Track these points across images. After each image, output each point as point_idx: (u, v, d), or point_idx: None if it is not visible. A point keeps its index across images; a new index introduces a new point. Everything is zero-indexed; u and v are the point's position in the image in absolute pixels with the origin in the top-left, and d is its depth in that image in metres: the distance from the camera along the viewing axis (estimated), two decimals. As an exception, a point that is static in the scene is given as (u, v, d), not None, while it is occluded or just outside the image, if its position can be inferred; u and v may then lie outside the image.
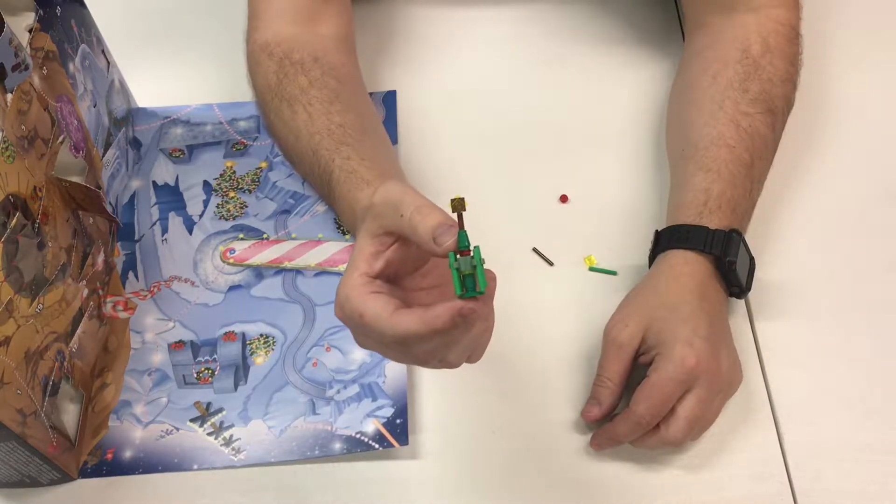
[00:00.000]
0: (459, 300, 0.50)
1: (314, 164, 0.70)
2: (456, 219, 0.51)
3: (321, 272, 0.81)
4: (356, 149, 0.69)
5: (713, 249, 0.70)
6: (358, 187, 0.66)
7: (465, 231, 0.50)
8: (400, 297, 0.54)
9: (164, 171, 0.88)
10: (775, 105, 0.77)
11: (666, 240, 0.73)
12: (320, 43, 0.78)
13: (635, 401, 0.66)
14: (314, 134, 0.71)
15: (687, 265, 0.71)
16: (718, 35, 0.81)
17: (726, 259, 0.70)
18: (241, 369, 0.76)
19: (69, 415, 0.73)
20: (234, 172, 0.87)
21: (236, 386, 0.76)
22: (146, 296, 0.81)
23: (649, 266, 0.75)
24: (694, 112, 0.79)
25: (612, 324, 0.70)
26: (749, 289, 0.73)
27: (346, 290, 0.54)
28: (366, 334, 0.54)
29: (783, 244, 0.81)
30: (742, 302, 0.77)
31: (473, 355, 0.56)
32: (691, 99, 0.81)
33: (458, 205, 0.51)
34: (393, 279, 0.56)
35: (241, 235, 0.84)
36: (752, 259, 0.73)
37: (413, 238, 0.52)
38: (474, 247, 0.50)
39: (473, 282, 0.50)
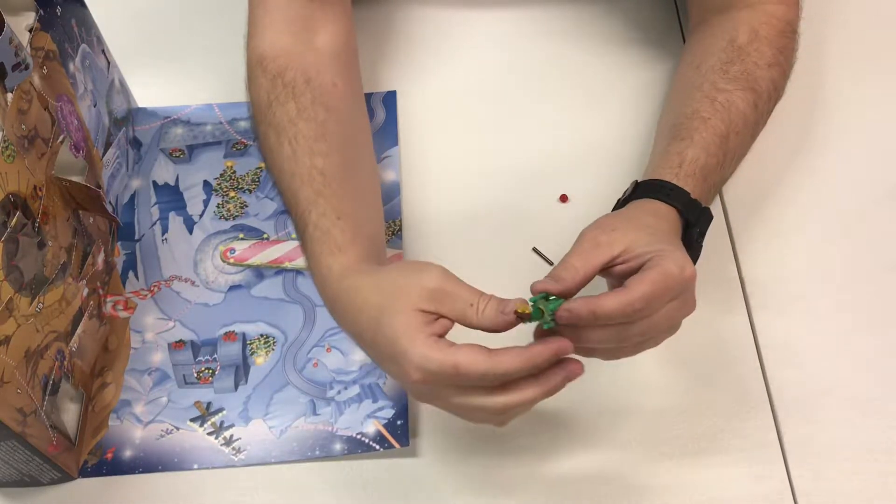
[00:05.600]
0: (558, 339, 0.58)
1: (293, 205, 0.70)
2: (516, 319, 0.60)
3: (321, 272, 0.81)
4: (333, 204, 0.69)
5: (688, 215, 0.69)
6: (330, 252, 0.66)
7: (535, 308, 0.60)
8: None
9: (164, 171, 0.88)
10: (759, 85, 0.76)
11: (645, 189, 0.70)
12: (314, 60, 0.77)
13: (635, 283, 0.59)
14: (295, 175, 0.70)
15: (667, 214, 0.68)
16: (711, 31, 0.81)
17: (696, 230, 0.69)
18: (241, 369, 0.76)
19: (69, 414, 0.73)
20: (235, 172, 0.87)
21: (237, 386, 0.76)
22: (146, 295, 0.81)
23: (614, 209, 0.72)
24: (674, 99, 0.80)
25: (593, 226, 0.65)
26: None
27: (421, 350, 0.57)
28: (452, 393, 0.59)
29: (783, 243, 0.81)
30: (742, 301, 0.77)
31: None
32: (676, 89, 0.81)
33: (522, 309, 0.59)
34: None
35: (241, 235, 0.84)
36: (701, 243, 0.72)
37: (474, 321, 0.60)
38: (533, 304, 0.59)
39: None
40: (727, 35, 0.79)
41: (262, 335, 0.78)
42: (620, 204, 0.73)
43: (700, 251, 0.71)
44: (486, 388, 0.58)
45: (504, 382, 0.58)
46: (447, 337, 0.60)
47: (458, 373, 0.57)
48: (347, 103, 0.77)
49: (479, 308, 0.59)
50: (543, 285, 0.61)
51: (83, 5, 0.81)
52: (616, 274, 0.63)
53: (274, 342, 0.78)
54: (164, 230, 0.84)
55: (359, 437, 0.72)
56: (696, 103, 0.75)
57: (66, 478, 0.71)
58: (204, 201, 0.86)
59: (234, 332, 0.78)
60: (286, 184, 0.71)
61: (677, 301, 0.61)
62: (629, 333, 0.61)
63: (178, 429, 0.74)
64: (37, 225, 0.66)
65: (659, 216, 0.68)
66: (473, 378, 0.57)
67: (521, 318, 0.59)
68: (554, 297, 0.59)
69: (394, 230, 0.82)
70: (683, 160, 0.71)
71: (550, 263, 0.81)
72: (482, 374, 0.57)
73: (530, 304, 0.59)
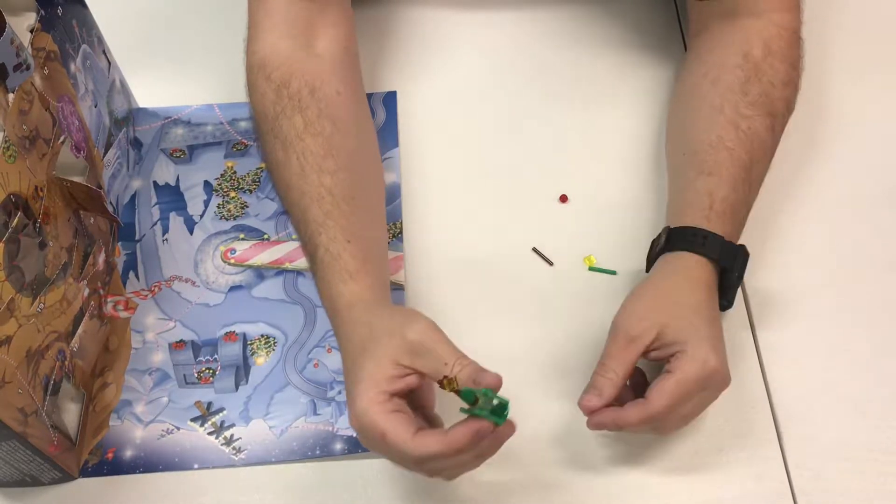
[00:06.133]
0: (474, 420, 0.58)
1: (302, 222, 0.71)
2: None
3: (322, 272, 0.81)
4: (342, 225, 0.70)
5: (725, 261, 0.70)
6: (341, 279, 0.67)
7: (467, 388, 0.59)
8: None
9: (164, 171, 0.88)
10: (775, 108, 0.77)
11: (679, 239, 0.72)
12: (317, 68, 0.77)
13: (655, 395, 0.65)
14: (304, 194, 0.71)
15: (701, 270, 0.70)
16: (720, 40, 0.81)
17: (735, 274, 0.71)
18: (241, 369, 0.77)
19: (70, 414, 0.73)
20: (235, 172, 0.88)
21: (237, 386, 0.76)
22: (147, 295, 0.81)
23: (648, 261, 0.75)
24: (693, 117, 0.79)
25: (626, 316, 0.69)
26: (731, 306, 0.73)
27: (364, 404, 0.60)
28: (382, 449, 0.61)
29: (783, 244, 0.81)
30: (742, 302, 0.77)
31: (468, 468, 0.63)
32: (691, 104, 0.81)
33: (450, 385, 0.59)
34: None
35: (241, 235, 0.84)
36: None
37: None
38: (483, 392, 0.58)
39: (499, 412, 0.59)
40: (740, 49, 0.79)
41: (262, 335, 0.78)
42: (654, 255, 0.74)
43: (740, 283, 0.73)
44: None
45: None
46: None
47: (384, 441, 0.59)
48: (352, 112, 0.78)
49: (451, 370, 0.60)
50: (590, 404, 0.66)
51: (84, 6, 0.81)
52: (651, 360, 0.68)
53: (274, 342, 0.78)
54: (165, 230, 0.84)
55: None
56: (719, 129, 0.76)
57: (66, 478, 0.71)
58: (204, 201, 0.86)
59: (234, 332, 0.78)
60: (295, 200, 0.72)
61: (707, 391, 0.66)
62: (663, 426, 0.67)
63: (178, 429, 0.74)
64: (38, 225, 0.66)
65: (691, 280, 0.70)
66: (397, 453, 0.59)
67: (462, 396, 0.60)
68: (497, 401, 0.59)
69: (394, 232, 0.83)
70: (714, 200, 0.72)
71: (550, 263, 0.81)
72: (403, 452, 0.59)
73: (479, 396, 0.59)
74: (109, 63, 0.85)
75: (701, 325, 0.67)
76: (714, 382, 0.66)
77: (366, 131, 0.80)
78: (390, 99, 0.91)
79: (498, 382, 0.59)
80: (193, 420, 0.74)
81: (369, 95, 0.88)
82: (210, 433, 0.74)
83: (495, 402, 0.58)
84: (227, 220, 0.85)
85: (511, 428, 0.61)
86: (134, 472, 0.72)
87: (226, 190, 0.86)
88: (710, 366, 0.65)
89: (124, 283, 0.81)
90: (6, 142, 0.63)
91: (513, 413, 0.72)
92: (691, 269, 0.70)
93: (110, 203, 0.80)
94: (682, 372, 0.65)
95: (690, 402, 0.66)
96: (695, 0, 0.83)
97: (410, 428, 0.59)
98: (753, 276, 0.79)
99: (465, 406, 0.59)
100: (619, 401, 0.67)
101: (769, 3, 0.79)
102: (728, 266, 0.71)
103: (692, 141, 0.77)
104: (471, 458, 0.61)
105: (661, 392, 0.65)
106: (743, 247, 0.72)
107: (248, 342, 0.78)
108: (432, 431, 0.59)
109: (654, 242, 0.75)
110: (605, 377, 0.67)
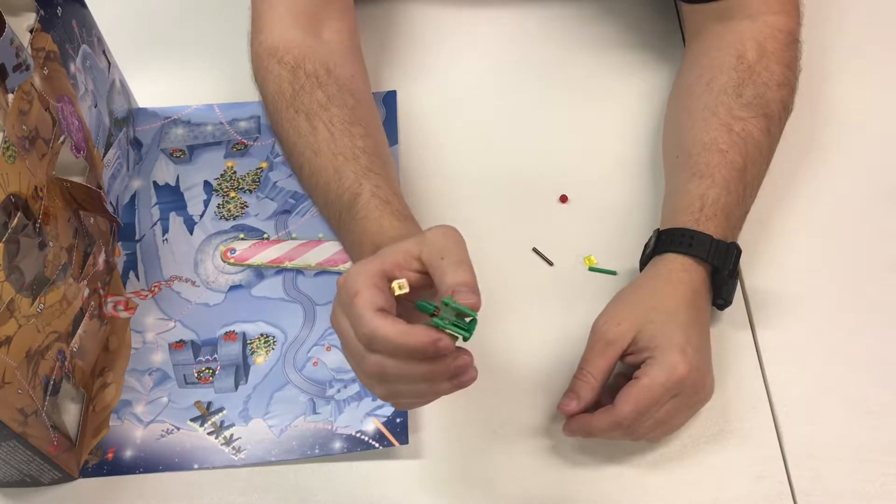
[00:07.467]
0: (436, 330, 0.54)
1: (333, 181, 0.71)
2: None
3: (321, 272, 0.81)
4: (385, 181, 0.70)
5: (714, 260, 0.70)
6: (394, 217, 0.67)
7: (421, 301, 0.57)
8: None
9: (164, 172, 0.88)
10: (770, 109, 0.77)
11: (667, 242, 0.72)
12: (329, 53, 0.78)
13: (622, 401, 0.66)
14: (337, 154, 0.72)
15: (685, 272, 0.70)
16: (715, 42, 0.81)
17: (725, 272, 0.71)
18: (241, 369, 0.77)
19: (70, 414, 0.73)
20: (235, 172, 0.88)
21: (237, 385, 0.76)
22: (147, 295, 0.81)
23: (640, 264, 0.75)
24: (688, 119, 0.79)
25: (604, 320, 0.70)
26: (731, 303, 0.73)
27: (359, 267, 0.58)
28: (346, 314, 0.57)
29: (783, 244, 0.81)
30: (741, 302, 0.77)
31: (417, 402, 0.61)
32: (686, 106, 0.81)
33: (399, 287, 0.57)
34: None
35: (241, 235, 0.84)
36: (737, 273, 0.74)
37: (436, 280, 0.57)
38: (444, 301, 0.54)
39: (461, 326, 0.55)
40: (734, 50, 0.79)
41: (262, 335, 0.78)
42: (645, 258, 0.75)
43: (736, 283, 0.74)
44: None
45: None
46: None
47: (352, 303, 0.56)
48: (366, 93, 0.79)
49: (445, 264, 0.56)
50: (568, 408, 0.68)
51: (84, 6, 0.81)
52: (628, 364, 0.69)
53: (274, 342, 0.78)
54: (165, 230, 0.84)
55: (358, 435, 0.72)
56: (713, 131, 0.76)
57: (66, 478, 0.71)
58: (204, 201, 0.86)
59: (234, 331, 0.78)
60: (324, 163, 0.71)
61: (679, 397, 0.66)
62: (635, 432, 0.67)
63: (178, 429, 0.74)
64: (38, 226, 0.66)
65: (674, 283, 0.70)
66: (355, 317, 0.55)
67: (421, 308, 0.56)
68: (469, 318, 0.55)
69: (394, 230, 0.83)
70: (704, 203, 0.73)
71: (550, 263, 0.81)
72: (360, 318, 0.55)
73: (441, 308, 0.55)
74: (109, 63, 0.85)
75: (674, 331, 0.67)
76: (684, 389, 0.66)
77: (378, 114, 0.80)
78: (390, 98, 0.91)
79: (472, 304, 0.55)
80: (193, 420, 0.74)
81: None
82: (210, 433, 0.74)
83: (467, 320, 0.53)
84: (227, 220, 0.85)
85: (472, 373, 0.57)
86: (134, 473, 0.72)
87: (226, 190, 0.86)
88: (678, 372, 0.65)
89: (124, 283, 0.81)
90: (6, 142, 0.63)
91: (515, 415, 0.73)
92: (676, 273, 0.71)
93: (110, 203, 0.80)
94: (648, 377, 0.66)
95: (660, 409, 0.66)
96: (690, 4, 0.83)
97: (377, 303, 0.55)
98: (753, 276, 0.79)
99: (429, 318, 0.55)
100: (600, 406, 0.68)
101: (764, 5, 0.80)
102: (719, 265, 0.71)
103: (686, 143, 0.77)
104: (421, 375, 0.56)
105: (628, 398, 0.66)
106: (734, 244, 0.72)
107: (248, 341, 0.78)
108: (396, 318, 0.55)
109: (645, 245, 0.75)
110: (584, 381, 0.68)
